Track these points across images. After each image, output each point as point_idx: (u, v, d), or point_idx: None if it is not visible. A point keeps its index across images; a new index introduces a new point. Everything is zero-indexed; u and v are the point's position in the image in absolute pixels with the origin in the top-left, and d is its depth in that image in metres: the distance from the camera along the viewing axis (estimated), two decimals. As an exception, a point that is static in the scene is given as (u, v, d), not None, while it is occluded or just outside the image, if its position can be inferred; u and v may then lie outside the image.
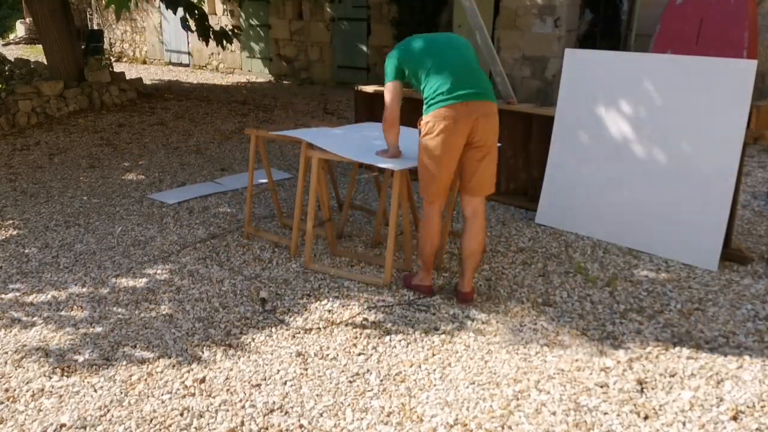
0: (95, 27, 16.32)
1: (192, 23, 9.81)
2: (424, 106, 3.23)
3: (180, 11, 9.61)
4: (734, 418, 2.45)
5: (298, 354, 2.98)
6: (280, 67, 12.47)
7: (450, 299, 3.44)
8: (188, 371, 2.86)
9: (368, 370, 2.84)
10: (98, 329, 3.25)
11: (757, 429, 2.40)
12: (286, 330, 3.19)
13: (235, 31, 10.50)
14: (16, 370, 2.92)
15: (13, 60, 10.66)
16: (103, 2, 13.60)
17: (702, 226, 3.78)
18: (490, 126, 3.20)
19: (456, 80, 3.14)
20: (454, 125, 3.11)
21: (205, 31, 9.95)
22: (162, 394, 2.70)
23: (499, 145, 3.38)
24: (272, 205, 5.11)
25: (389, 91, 3.35)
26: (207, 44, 10.39)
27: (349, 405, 2.61)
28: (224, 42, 10.21)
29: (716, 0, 6.47)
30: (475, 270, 3.45)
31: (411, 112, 5.59)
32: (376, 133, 3.90)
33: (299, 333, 3.16)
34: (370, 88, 5.92)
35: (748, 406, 2.52)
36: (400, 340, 3.06)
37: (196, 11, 9.76)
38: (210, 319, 3.32)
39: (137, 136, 7.75)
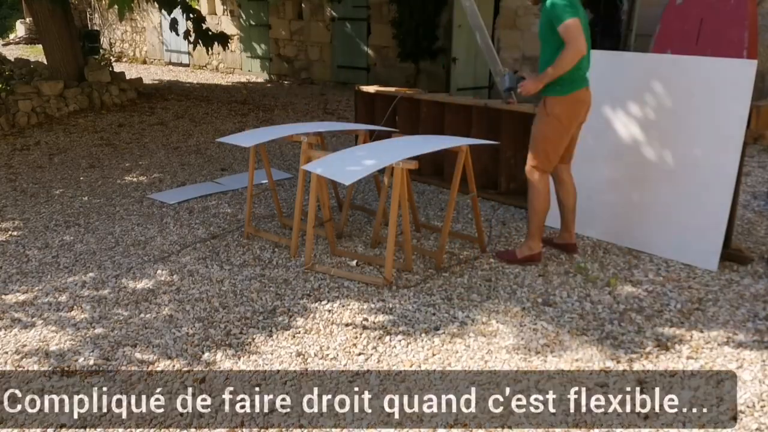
0: (94, 27, 16.32)
1: (185, 27, 9.80)
2: (555, 85, 3.51)
3: (175, 13, 9.59)
4: (734, 418, 2.45)
5: (298, 354, 2.98)
6: (280, 67, 12.47)
7: (449, 299, 3.44)
8: (188, 371, 2.86)
9: (368, 370, 2.83)
10: (98, 329, 3.25)
11: (757, 429, 2.40)
12: (286, 330, 3.19)
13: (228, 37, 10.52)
14: (16, 370, 2.92)
15: (13, 60, 10.66)
16: (105, 3, 13.63)
17: (702, 226, 3.78)
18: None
19: (587, 65, 3.61)
20: (583, 107, 3.65)
21: (200, 35, 9.92)
22: (162, 394, 2.70)
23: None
24: (272, 205, 5.11)
25: (574, 27, 3.35)
26: (194, 48, 10.37)
27: (349, 405, 2.60)
28: (223, 45, 10.18)
29: (716, 0, 6.47)
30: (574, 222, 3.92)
31: (410, 109, 5.60)
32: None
33: (299, 333, 3.16)
34: (370, 88, 5.92)
35: (748, 406, 2.52)
36: (400, 340, 3.06)
37: (192, 14, 9.75)
38: (210, 319, 3.32)
39: (137, 136, 7.75)
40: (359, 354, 2.97)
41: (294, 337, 3.13)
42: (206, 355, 2.98)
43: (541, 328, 3.15)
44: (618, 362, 2.85)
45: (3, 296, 3.66)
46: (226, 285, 3.69)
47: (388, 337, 3.09)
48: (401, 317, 3.27)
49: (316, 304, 3.44)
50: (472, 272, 3.77)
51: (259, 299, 3.51)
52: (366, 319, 3.26)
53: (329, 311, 3.36)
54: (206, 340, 3.12)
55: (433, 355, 2.94)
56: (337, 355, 2.96)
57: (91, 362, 2.95)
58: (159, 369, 2.88)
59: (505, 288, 3.58)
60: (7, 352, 3.06)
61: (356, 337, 3.10)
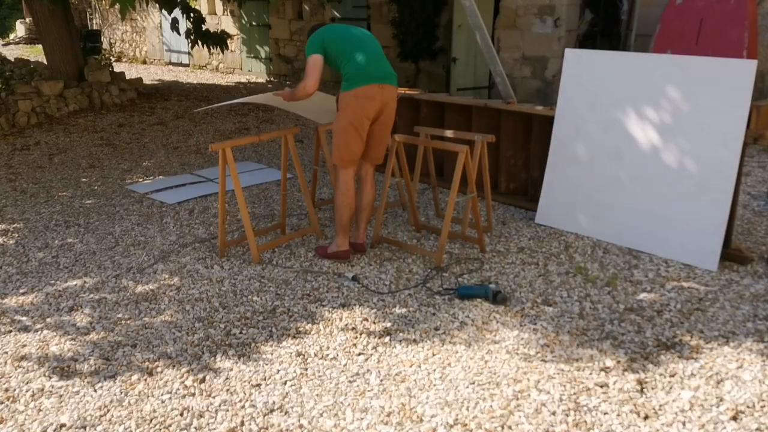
0: (95, 27, 16.33)
1: (185, 25, 9.80)
2: (344, 83, 3.76)
3: (176, 12, 9.59)
4: (734, 418, 2.45)
5: (298, 354, 2.98)
6: (280, 67, 12.47)
7: (450, 300, 3.44)
8: (188, 371, 2.86)
9: (368, 370, 2.83)
10: (98, 329, 3.25)
11: (757, 429, 2.40)
12: (286, 330, 3.19)
13: (227, 36, 10.52)
14: (15, 370, 2.92)
15: (13, 60, 10.66)
16: (105, 2, 13.62)
17: (702, 226, 3.78)
18: (394, 106, 3.90)
19: (373, 65, 3.75)
20: (370, 102, 3.72)
21: (200, 35, 9.92)
22: (162, 394, 2.70)
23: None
24: (272, 205, 5.11)
25: (314, 63, 3.74)
26: (192, 47, 10.36)
27: (349, 405, 2.61)
28: (222, 47, 10.17)
29: (716, 0, 6.47)
30: (368, 222, 4.10)
31: (410, 109, 5.61)
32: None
33: (299, 333, 3.16)
34: None
35: (748, 406, 2.52)
36: (400, 340, 3.06)
37: (192, 14, 9.75)
38: (210, 319, 3.32)
39: (137, 136, 7.75)
40: (359, 354, 2.97)
41: (294, 337, 3.13)
42: (206, 355, 2.98)
43: (541, 328, 3.15)
44: (618, 362, 2.85)
45: (3, 296, 3.66)
46: (226, 285, 3.69)
47: (388, 337, 3.09)
48: (401, 317, 3.27)
49: (316, 304, 3.44)
50: (472, 272, 3.77)
51: (259, 299, 3.51)
52: (366, 319, 3.26)
53: (329, 311, 3.36)
54: (206, 340, 3.12)
55: (433, 355, 2.94)
56: (337, 355, 2.96)
57: (91, 363, 2.95)
58: (159, 369, 2.88)
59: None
60: (6, 353, 3.06)
61: (356, 337, 3.10)
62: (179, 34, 9.97)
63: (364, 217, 4.01)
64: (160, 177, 6.00)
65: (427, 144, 4.37)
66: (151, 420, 2.54)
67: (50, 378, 2.84)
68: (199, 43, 10.05)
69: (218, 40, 10.10)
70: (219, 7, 13.33)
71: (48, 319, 3.37)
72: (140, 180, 5.90)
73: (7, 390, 2.77)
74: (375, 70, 3.74)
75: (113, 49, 16.01)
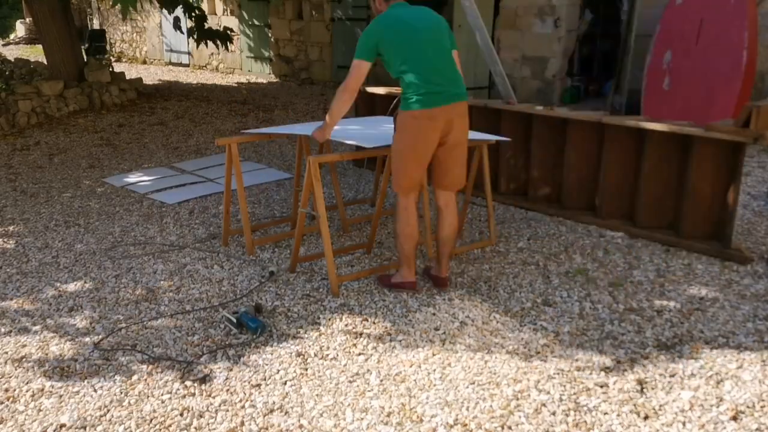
0: (96, 27, 16.33)
1: (186, 23, 9.83)
2: (402, 98, 3.24)
3: (177, 11, 9.61)
4: (734, 418, 2.45)
5: (298, 354, 2.98)
6: (280, 67, 12.47)
7: (450, 300, 3.44)
8: (188, 371, 2.86)
9: (368, 370, 2.83)
10: (98, 329, 3.25)
11: (757, 429, 2.40)
12: (286, 330, 3.19)
13: (231, 32, 10.58)
14: (16, 370, 2.92)
15: (13, 60, 10.66)
16: (107, 2, 13.60)
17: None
18: (463, 125, 3.31)
19: (433, 79, 3.17)
20: (429, 124, 3.19)
21: (202, 33, 9.94)
22: (162, 394, 2.70)
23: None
24: (272, 205, 5.11)
25: (357, 69, 3.20)
26: (198, 46, 10.40)
27: (349, 405, 2.60)
28: (225, 43, 10.20)
29: (716, 0, 6.47)
30: (450, 256, 3.61)
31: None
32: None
33: (299, 333, 3.16)
34: (380, 90, 5.90)
35: (748, 406, 2.52)
36: (400, 340, 3.06)
37: (194, 12, 9.77)
38: (210, 319, 3.32)
39: (137, 136, 7.75)
40: (359, 354, 2.96)
41: (294, 337, 3.13)
42: (206, 355, 2.98)
43: (541, 328, 3.15)
44: (618, 362, 2.85)
45: (3, 297, 3.66)
46: (226, 285, 3.69)
47: (388, 337, 3.09)
48: (401, 317, 3.27)
49: (316, 304, 3.44)
50: (472, 272, 3.77)
51: (259, 299, 3.51)
52: (366, 319, 3.26)
53: (329, 311, 3.36)
54: (206, 340, 3.12)
55: (433, 355, 2.94)
56: (337, 355, 2.96)
57: (91, 363, 2.95)
58: (159, 369, 2.88)
59: (505, 288, 3.58)
60: (6, 353, 3.06)
61: (356, 337, 3.10)
62: (182, 32, 9.99)
63: (445, 252, 3.52)
64: (157, 173, 5.99)
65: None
66: (151, 420, 2.54)
67: (50, 378, 2.84)
68: (205, 42, 10.05)
69: (222, 37, 10.12)
70: (219, 7, 13.34)
71: (48, 320, 3.37)
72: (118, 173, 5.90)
73: (7, 390, 2.77)
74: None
75: (113, 49, 16.02)
